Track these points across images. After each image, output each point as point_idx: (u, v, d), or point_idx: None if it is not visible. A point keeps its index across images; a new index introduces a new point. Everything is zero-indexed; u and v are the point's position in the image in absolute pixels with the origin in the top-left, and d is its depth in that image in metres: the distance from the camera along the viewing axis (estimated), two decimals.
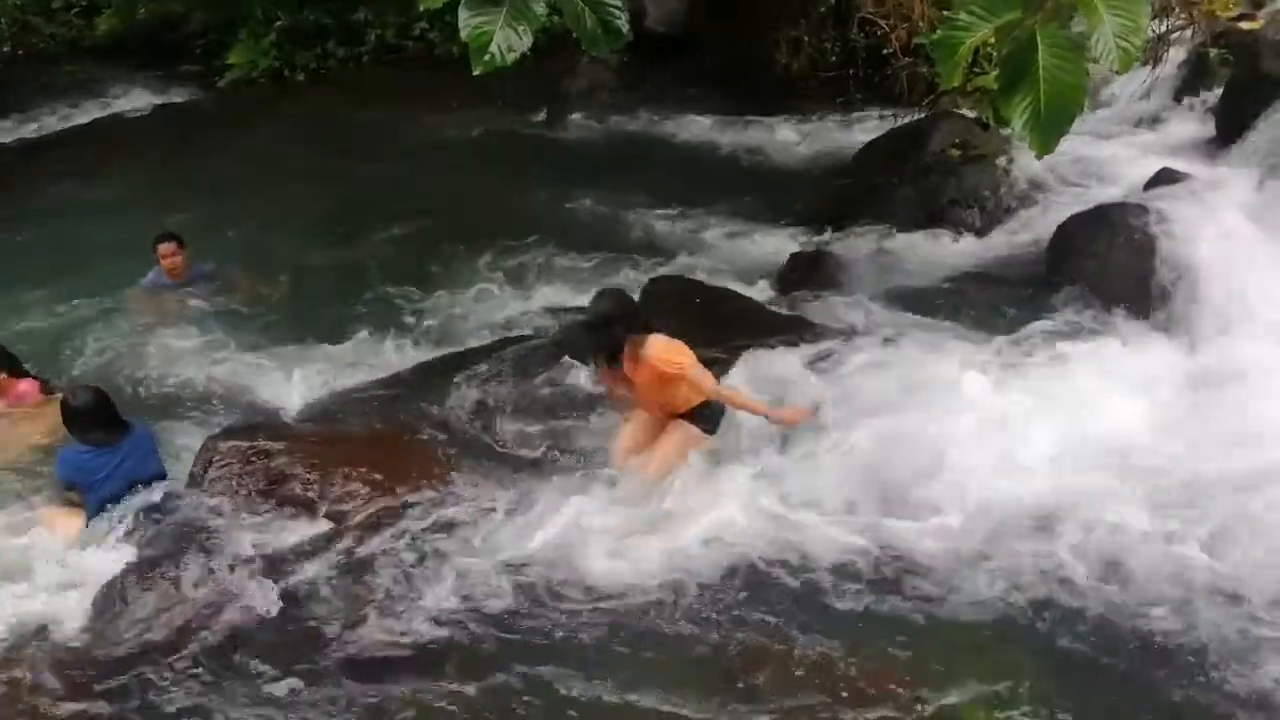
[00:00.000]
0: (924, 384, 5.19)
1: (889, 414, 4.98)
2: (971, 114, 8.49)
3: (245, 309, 7.39)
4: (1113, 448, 4.72)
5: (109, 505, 4.76)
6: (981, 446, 4.71)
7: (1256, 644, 3.67)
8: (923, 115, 9.02)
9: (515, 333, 6.58)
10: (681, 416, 4.92)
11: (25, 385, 5.99)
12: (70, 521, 4.88)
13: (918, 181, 7.96)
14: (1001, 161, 7.90)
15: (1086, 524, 4.27)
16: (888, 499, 4.54)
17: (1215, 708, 3.47)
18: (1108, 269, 6.21)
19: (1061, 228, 6.75)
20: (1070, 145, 6.61)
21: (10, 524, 4.97)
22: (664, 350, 4.75)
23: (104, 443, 4.79)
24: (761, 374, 5.40)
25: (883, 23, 9.63)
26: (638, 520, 4.63)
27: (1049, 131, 3.36)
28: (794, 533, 4.42)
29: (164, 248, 7.40)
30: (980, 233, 7.54)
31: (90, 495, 4.77)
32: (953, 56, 3.47)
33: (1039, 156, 3.63)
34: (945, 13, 4.49)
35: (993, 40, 3.59)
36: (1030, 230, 7.36)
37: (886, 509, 4.50)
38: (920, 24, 9.10)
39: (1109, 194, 7.21)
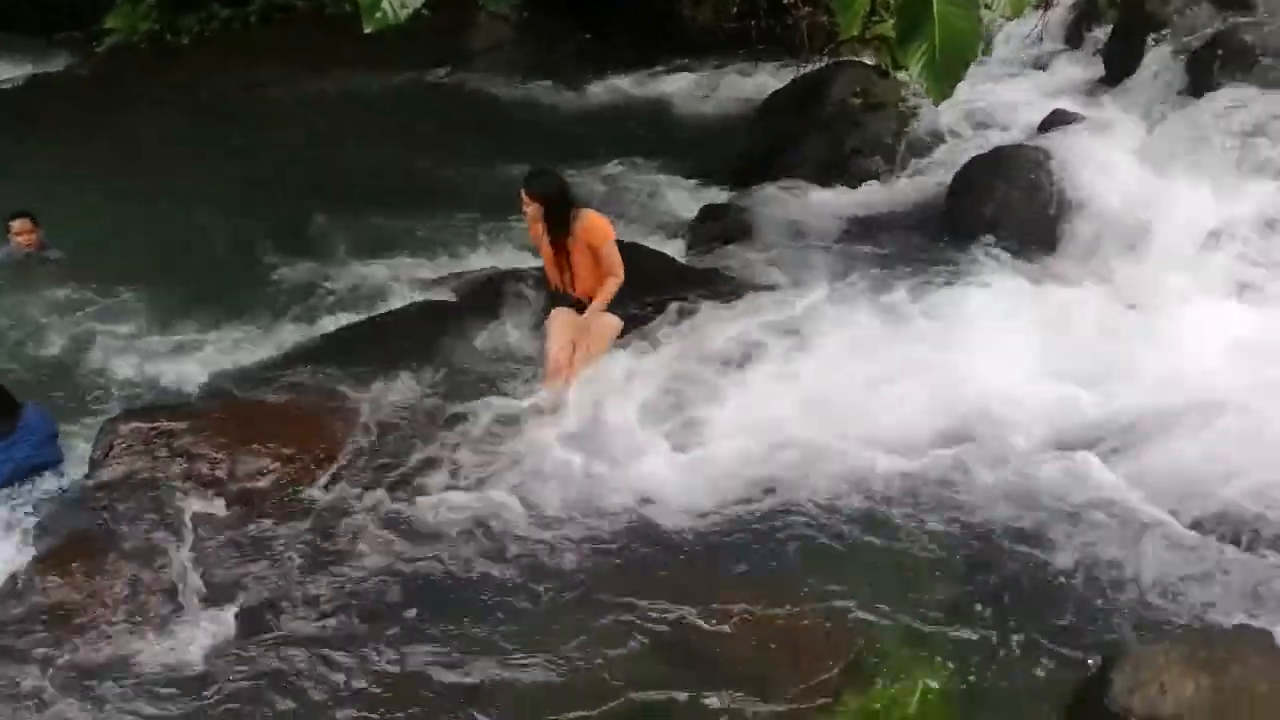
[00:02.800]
0: (832, 331, 5.28)
1: (802, 361, 5.07)
2: (871, 62, 8.58)
3: (115, 289, 7.11)
4: (1014, 384, 4.84)
5: (4, 494, 4.55)
6: (884, 391, 4.79)
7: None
8: (824, 64, 9.07)
9: (418, 296, 6.48)
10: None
11: None
12: None
13: (821, 131, 8.02)
14: (902, 109, 8.01)
15: (993, 459, 4.39)
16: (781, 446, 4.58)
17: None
18: (1006, 210, 6.38)
19: (960, 172, 6.90)
20: (966, 91, 6.78)
21: None
22: (599, 220, 5.19)
23: None
24: (679, 327, 5.43)
25: None
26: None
27: (945, 78, 3.43)
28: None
29: (17, 224, 7.25)
30: (884, 180, 7.65)
31: None
32: (852, 5, 3.51)
33: (936, 103, 3.70)
34: None
35: None
36: (932, 175, 7.50)
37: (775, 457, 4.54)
38: None
39: (1006, 138, 7.38)
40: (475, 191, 8.34)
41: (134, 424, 4.87)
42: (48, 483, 4.66)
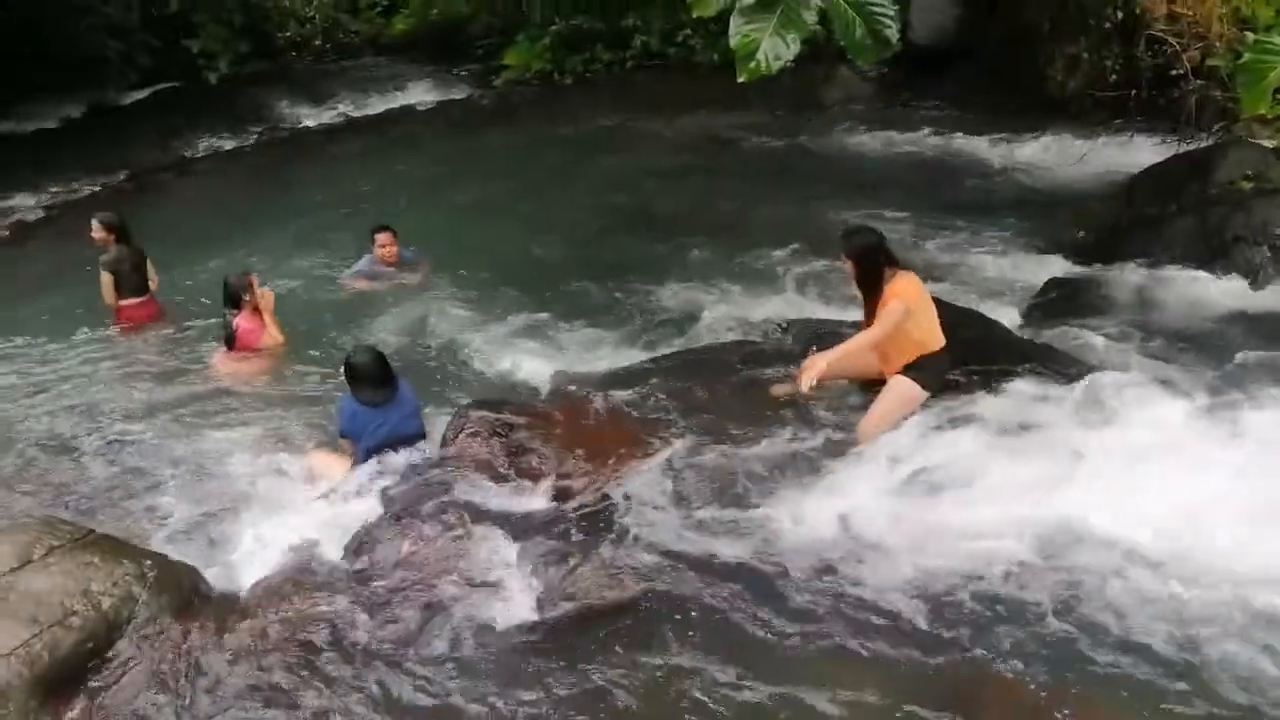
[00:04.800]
0: (1173, 436, 4.71)
1: (1124, 462, 4.58)
2: (1269, 144, 7.74)
3: (491, 292, 7.88)
4: None
5: (373, 456, 5.25)
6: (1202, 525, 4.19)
7: None
8: (1211, 142, 8.31)
9: (749, 337, 6.66)
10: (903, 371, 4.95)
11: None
12: (337, 466, 5.42)
13: (1199, 213, 7.33)
14: None
15: None
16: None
17: None
18: None
19: None
20: None
21: (285, 461, 5.60)
22: (903, 283, 4.91)
23: (377, 402, 5.27)
24: (1003, 403, 5.17)
25: (1174, 41, 8.94)
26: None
27: None
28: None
29: (381, 237, 8.08)
30: (1270, 275, 6.85)
31: (360, 445, 5.27)
32: (1260, 82, 3.22)
33: None
34: (1253, 35, 4.14)
35: None
36: None
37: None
38: (1217, 44, 8.39)
39: None
40: (822, 241, 8.42)
41: (482, 412, 5.43)
42: (410, 453, 5.29)
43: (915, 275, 5.10)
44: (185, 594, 4.34)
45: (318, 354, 6.96)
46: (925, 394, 5.03)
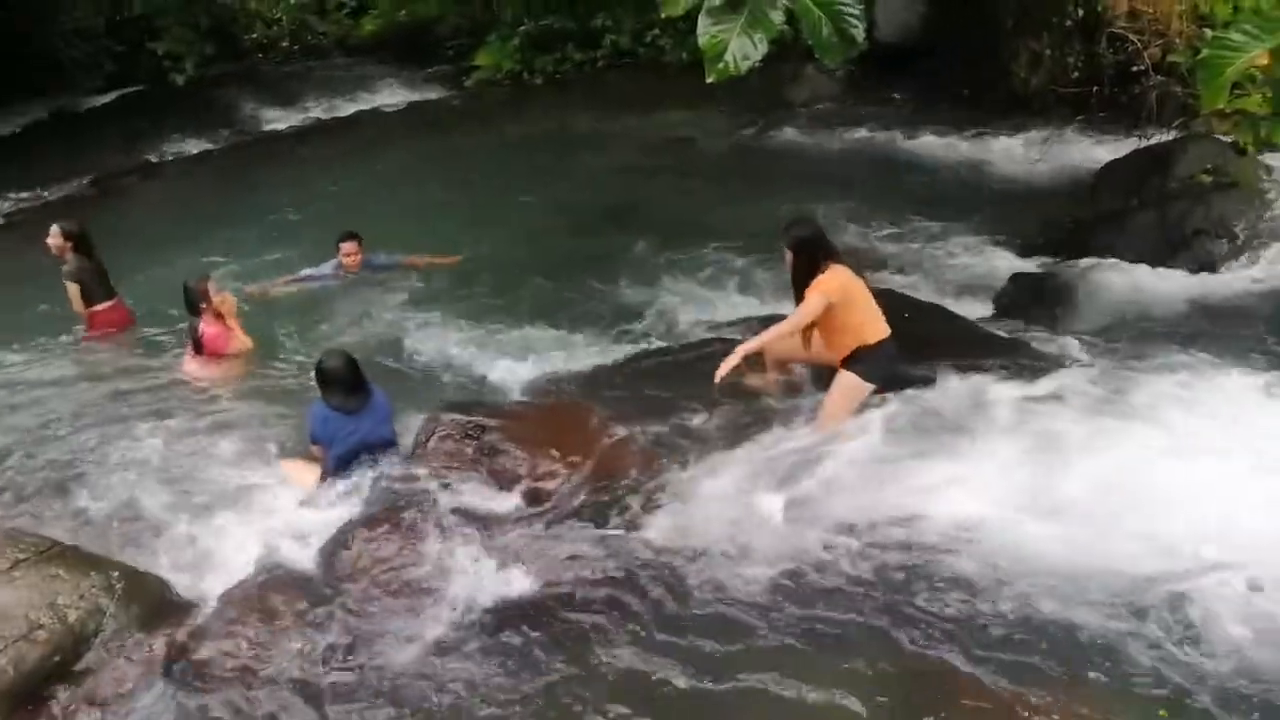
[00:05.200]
0: (1140, 427, 4.81)
1: (1095, 452, 4.67)
2: (1228, 138, 7.87)
3: (460, 293, 7.90)
4: None
5: (345, 463, 5.21)
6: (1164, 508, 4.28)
7: None
8: (1171, 137, 8.44)
9: (718, 335, 6.69)
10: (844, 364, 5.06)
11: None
12: (308, 474, 5.39)
13: (1161, 207, 7.46)
14: (1260, 191, 7.28)
15: None
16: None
17: None
18: None
19: None
20: None
21: (256, 468, 5.56)
22: (827, 276, 5.00)
23: (349, 408, 5.23)
24: (966, 396, 5.24)
25: (1135, 38, 9.08)
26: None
27: None
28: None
29: (347, 246, 8.10)
30: (1229, 267, 6.98)
31: (332, 451, 5.23)
32: (1219, 77, 3.27)
33: None
34: (1211, 31, 4.22)
35: (1263, 61, 3.35)
36: None
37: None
38: (1177, 41, 8.53)
39: None
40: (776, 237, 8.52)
41: (454, 415, 5.41)
42: (382, 459, 5.24)
43: (847, 270, 5.15)
44: (154, 605, 4.31)
45: (288, 358, 6.93)
46: (868, 385, 5.13)
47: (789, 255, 5.17)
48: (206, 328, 6.70)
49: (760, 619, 4.01)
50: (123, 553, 4.81)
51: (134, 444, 5.90)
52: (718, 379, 4.98)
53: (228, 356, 6.80)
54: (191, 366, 6.78)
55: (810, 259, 5.09)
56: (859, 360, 5.11)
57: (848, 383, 5.13)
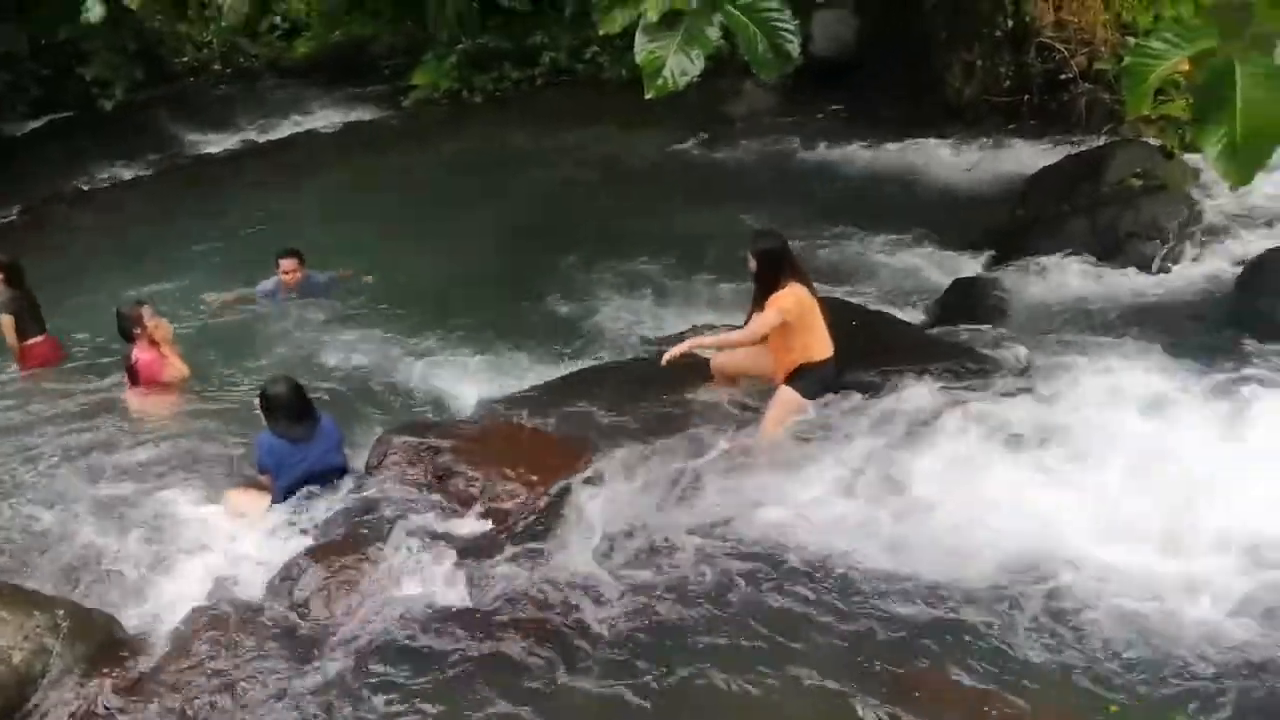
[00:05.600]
0: (1076, 424, 4.92)
1: (1035, 450, 4.77)
2: (1155, 142, 8.14)
3: (404, 314, 7.83)
4: None
5: (293, 492, 5.13)
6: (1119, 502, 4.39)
7: None
8: (1101, 143, 8.70)
9: (659, 349, 6.71)
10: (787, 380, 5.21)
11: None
12: (256, 503, 5.29)
13: (1093, 211, 7.68)
14: (1186, 193, 7.53)
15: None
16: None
17: None
18: None
19: (1256, 264, 6.38)
20: (1261, 177, 6.25)
21: (201, 499, 5.44)
22: (783, 293, 5.15)
23: (297, 437, 5.14)
24: (913, 401, 5.31)
25: (1062, 48, 9.35)
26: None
27: (1246, 162, 3.17)
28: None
29: (286, 263, 7.94)
30: (1159, 268, 7.20)
31: (279, 482, 5.15)
32: (1142, 84, 3.35)
33: (1233, 188, 3.47)
34: (1134, 39, 4.36)
35: (1185, 68, 3.45)
36: (1215, 267, 6.99)
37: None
38: (1102, 49, 8.81)
39: None
40: (732, 253, 8.55)
41: (405, 437, 5.37)
42: (332, 486, 5.18)
43: (806, 290, 5.25)
44: (101, 642, 4.18)
45: (230, 386, 6.80)
46: (806, 402, 5.26)
47: (753, 264, 5.30)
48: (141, 354, 6.53)
49: (719, 634, 4.00)
50: (68, 590, 4.68)
51: (76, 479, 5.74)
52: (665, 362, 5.29)
53: (167, 385, 6.65)
54: (132, 397, 6.62)
55: (774, 272, 5.23)
56: (801, 378, 5.26)
57: (787, 398, 5.26)
